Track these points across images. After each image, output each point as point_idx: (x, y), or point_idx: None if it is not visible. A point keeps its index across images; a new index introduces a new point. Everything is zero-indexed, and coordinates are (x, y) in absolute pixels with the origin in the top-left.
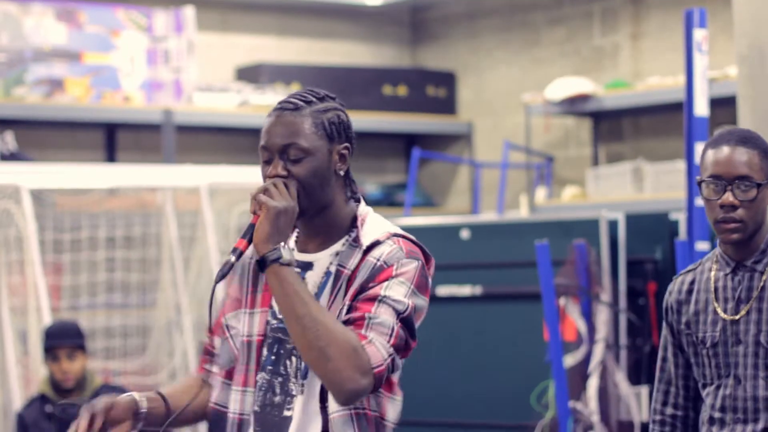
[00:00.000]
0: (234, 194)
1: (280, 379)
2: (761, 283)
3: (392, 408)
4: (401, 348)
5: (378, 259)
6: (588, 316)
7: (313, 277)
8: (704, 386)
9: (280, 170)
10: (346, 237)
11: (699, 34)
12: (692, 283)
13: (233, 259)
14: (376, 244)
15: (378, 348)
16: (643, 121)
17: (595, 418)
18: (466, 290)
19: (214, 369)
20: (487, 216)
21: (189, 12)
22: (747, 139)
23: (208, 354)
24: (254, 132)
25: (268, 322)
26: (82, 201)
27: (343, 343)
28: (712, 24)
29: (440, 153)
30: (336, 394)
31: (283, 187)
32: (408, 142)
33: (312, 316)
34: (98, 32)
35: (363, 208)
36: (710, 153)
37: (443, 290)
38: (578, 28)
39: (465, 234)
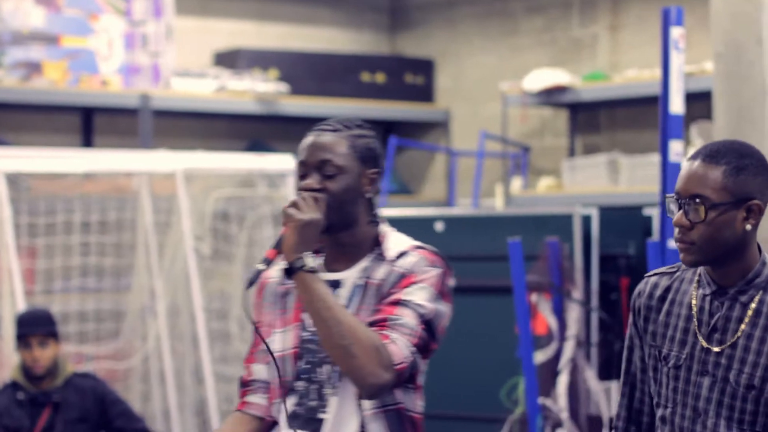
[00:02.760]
0: (210, 180)
1: (315, 385)
2: (746, 317)
3: (421, 405)
4: (422, 349)
5: (403, 268)
6: (559, 312)
7: (343, 292)
8: (658, 406)
9: (314, 183)
10: (371, 254)
11: (676, 32)
12: (667, 290)
13: (262, 266)
14: (401, 255)
15: (400, 347)
16: (620, 113)
17: (565, 414)
18: None
19: (254, 399)
20: (462, 209)
21: None
22: (717, 153)
23: (246, 385)
24: (231, 117)
25: (299, 336)
26: (57, 185)
27: (366, 341)
28: (690, 18)
29: (417, 140)
30: (360, 388)
31: (311, 201)
32: (385, 129)
33: (336, 318)
34: (76, 16)
35: (384, 228)
36: (683, 166)
37: None
38: (557, 18)
39: (439, 226)
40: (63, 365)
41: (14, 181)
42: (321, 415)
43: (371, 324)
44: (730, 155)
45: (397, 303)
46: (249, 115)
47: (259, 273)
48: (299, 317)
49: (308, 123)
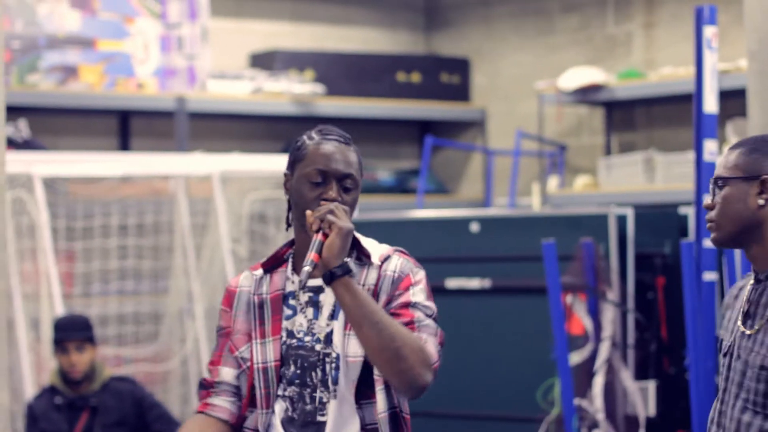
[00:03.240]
0: (246, 182)
1: (308, 389)
2: None
3: (407, 405)
4: (441, 347)
5: (395, 272)
6: (594, 313)
7: (328, 299)
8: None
9: (336, 195)
10: (349, 258)
11: (709, 31)
12: (741, 288)
13: (311, 269)
14: (386, 259)
15: (432, 346)
16: (656, 111)
17: (601, 416)
18: (474, 283)
19: (218, 402)
20: (497, 210)
21: None
22: (742, 142)
23: (210, 387)
24: (267, 119)
25: (283, 346)
26: (94, 189)
27: (413, 343)
28: (725, 15)
29: (453, 140)
30: (408, 389)
31: (343, 210)
32: (421, 128)
33: (384, 321)
34: (112, 19)
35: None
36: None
37: (452, 283)
38: (592, 16)
39: (475, 227)
40: (100, 369)
41: (51, 185)
42: (320, 418)
43: None
44: (751, 141)
45: (409, 305)
46: (285, 116)
47: (309, 275)
48: (279, 329)
49: (345, 123)
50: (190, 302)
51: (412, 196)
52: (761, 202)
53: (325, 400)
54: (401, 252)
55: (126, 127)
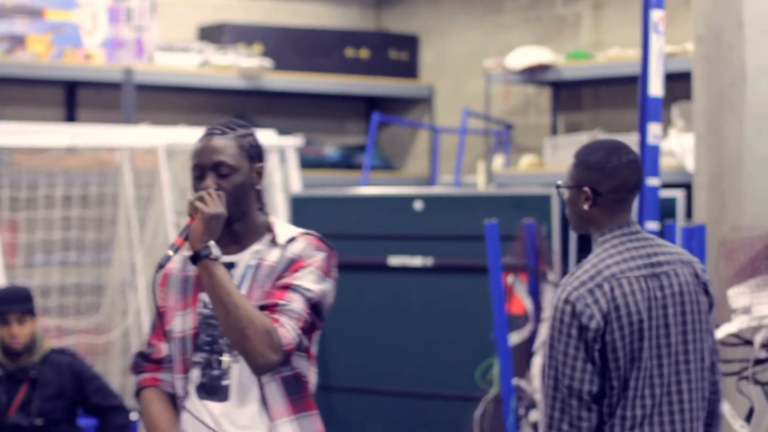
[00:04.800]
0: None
1: (216, 355)
2: None
3: (313, 375)
4: (308, 329)
5: (293, 254)
6: (535, 294)
7: (237, 271)
8: None
9: (211, 183)
10: (263, 239)
11: (656, 15)
12: None
13: (171, 252)
14: (291, 240)
15: (288, 330)
16: (603, 92)
17: (539, 396)
18: (417, 261)
19: (166, 377)
20: (441, 188)
21: None
22: (576, 153)
23: (158, 362)
24: (215, 92)
25: (199, 315)
26: (39, 159)
27: (259, 326)
28: None
29: (400, 116)
30: (251, 366)
31: (216, 196)
32: (369, 104)
33: (235, 303)
34: None
35: (272, 217)
36: None
37: (395, 260)
38: None
39: (418, 205)
40: (40, 342)
41: None
42: (225, 382)
43: (263, 308)
44: (579, 154)
45: (287, 288)
46: (233, 90)
47: (168, 258)
48: (196, 300)
49: (292, 98)
50: (132, 274)
51: (357, 171)
52: (586, 207)
53: (229, 365)
54: (309, 236)
55: (73, 98)
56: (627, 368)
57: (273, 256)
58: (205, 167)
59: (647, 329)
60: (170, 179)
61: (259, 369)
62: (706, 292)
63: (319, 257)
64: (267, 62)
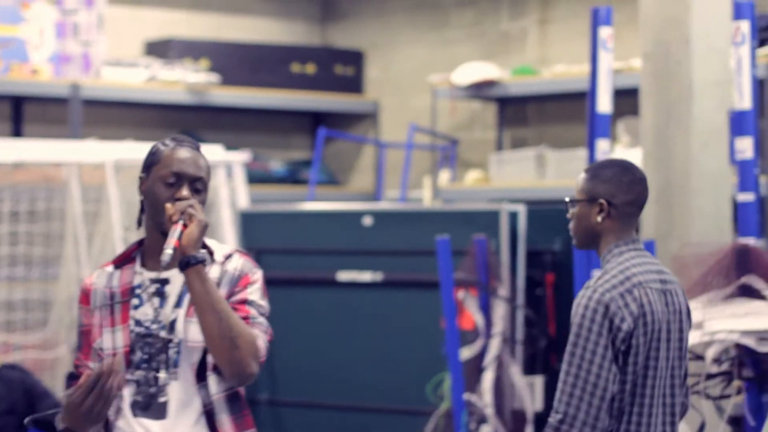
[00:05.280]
0: (139, 170)
1: (153, 373)
2: None
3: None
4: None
5: (236, 269)
6: (486, 309)
7: (173, 290)
8: None
9: (188, 195)
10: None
11: (604, 32)
12: None
13: (172, 252)
14: (228, 257)
15: (262, 342)
16: (548, 108)
17: (489, 410)
18: (366, 276)
19: None
20: (391, 204)
21: None
22: (587, 168)
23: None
24: (162, 107)
25: (132, 333)
26: None
27: (248, 336)
28: (619, 14)
29: (346, 131)
30: (235, 376)
31: (200, 206)
32: (315, 119)
33: (226, 311)
34: (7, 4)
35: None
36: None
37: (344, 275)
38: (487, 12)
39: (367, 221)
40: None
41: None
42: (162, 399)
43: None
44: (591, 168)
45: (246, 302)
46: (180, 105)
47: (170, 257)
48: (127, 317)
49: (238, 113)
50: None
51: (303, 186)
52: (599, 219)
53: (165, 382)
54: (242, 252)
55: (19, 112)
56: (640, 374)
57: (213, 272)
58: (184, 177)
59: (664, 340)
60: (118, 194)
61: (241, 379)
62: (689, 315)
63: (259, 274)
64: (214, 77)
